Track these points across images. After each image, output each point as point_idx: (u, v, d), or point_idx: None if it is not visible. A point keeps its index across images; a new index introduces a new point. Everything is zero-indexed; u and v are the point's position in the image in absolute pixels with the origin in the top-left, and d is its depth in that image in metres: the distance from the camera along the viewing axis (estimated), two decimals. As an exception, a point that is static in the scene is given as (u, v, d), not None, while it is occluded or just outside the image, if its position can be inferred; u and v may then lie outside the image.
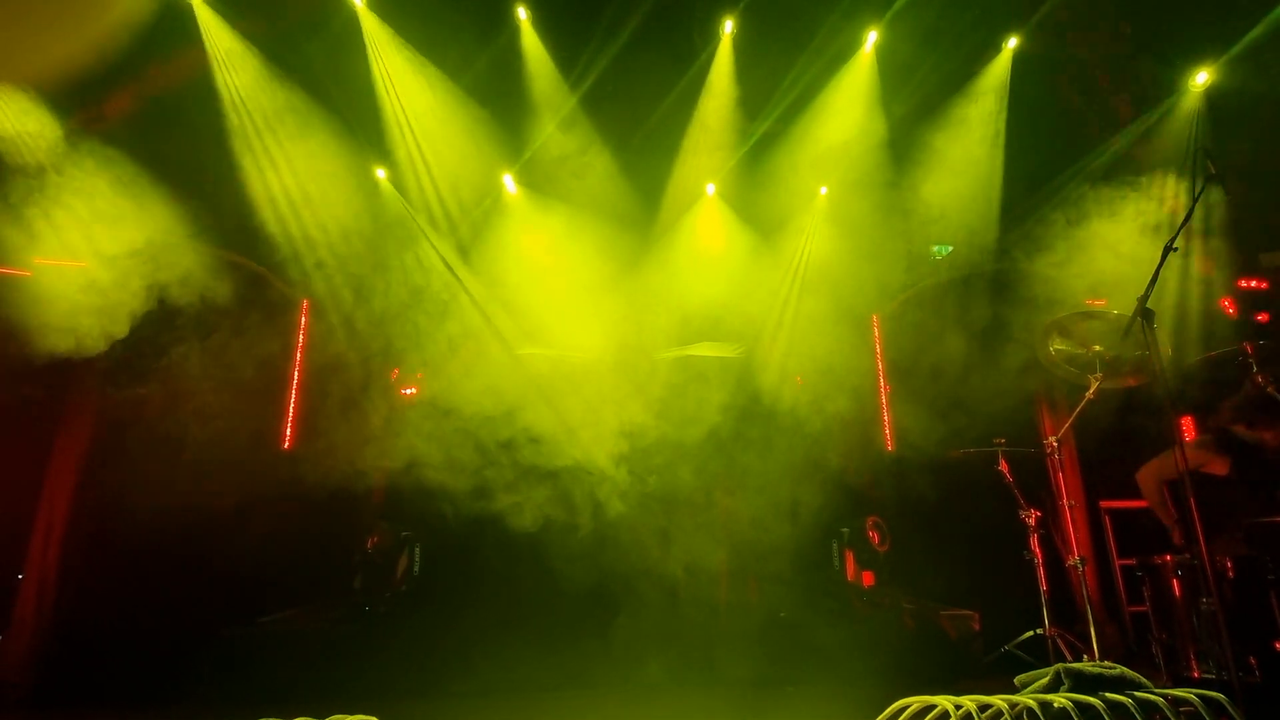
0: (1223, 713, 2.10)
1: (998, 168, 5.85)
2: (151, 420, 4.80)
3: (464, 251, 6.03)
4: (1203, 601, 3.09)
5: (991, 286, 5.85)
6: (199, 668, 3.94)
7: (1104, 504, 5.07)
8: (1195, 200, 3.02)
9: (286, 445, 5.46)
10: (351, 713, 2.48)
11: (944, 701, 2.08)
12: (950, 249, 6.26)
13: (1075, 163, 5.71)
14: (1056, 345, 3.80)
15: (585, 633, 4.21)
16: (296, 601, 4.62)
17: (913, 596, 4.81)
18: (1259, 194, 4.47)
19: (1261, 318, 5.00)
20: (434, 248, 5.96)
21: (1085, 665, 2.26)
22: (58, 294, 4.46)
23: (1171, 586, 3.30)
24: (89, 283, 4.55)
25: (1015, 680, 2.53)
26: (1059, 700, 2.01)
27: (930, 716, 2.12)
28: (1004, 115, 5.74)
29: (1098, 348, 3.65)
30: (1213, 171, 2.99)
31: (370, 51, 5.37)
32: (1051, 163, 5.81)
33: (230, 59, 5.05)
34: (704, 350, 5.66)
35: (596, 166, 5.97)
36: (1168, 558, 3.35)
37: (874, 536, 5.08)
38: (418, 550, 4.83)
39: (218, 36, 4.99)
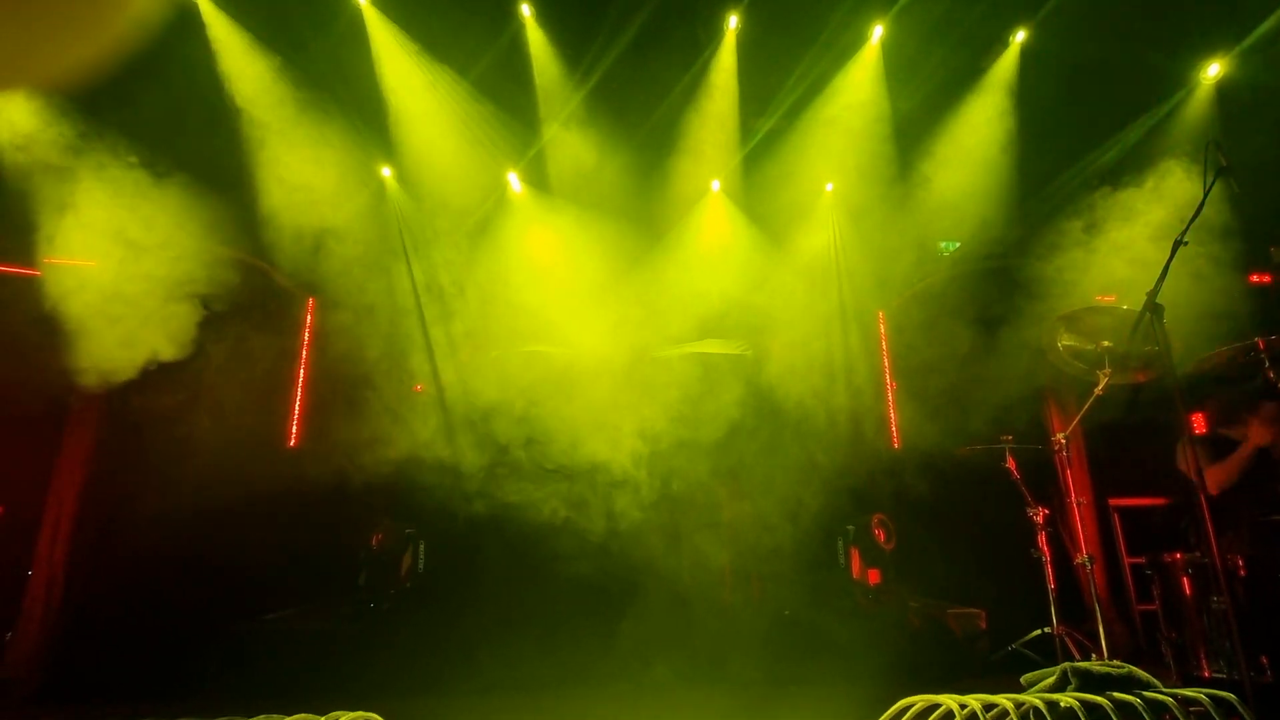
0: (1234, 713, 2.07)
1: (1005, 163, 5.80)
2: (158, 418, 4.82)
3: (469, 249, 6.04)
4: (1213, 600, 3.06)
5: (999, 282, 5.80)
6: (206, 664, 3.96)
7: (1113, 501, 5.03)
8: (1206, 194, 2.97)
9: (292, 443, 5.48)
10: (355, 709, 2.48)
11: (949, 700, 2.06)
12: (957, 245, 6.22)
13: (1084, 157, 5.65)
14: (1065, 341, 3.76)
15: (589, 630, 4.20)
16: (302, 598, 4.63)
17: (919, 595, 4.78)
18: (1270, 188, 4.41)
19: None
20: (439, 245, 5.97)
21: (1093, 664, 2.24)
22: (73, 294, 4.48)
23: (1182, 585, 3.27)
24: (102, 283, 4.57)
25: (1021, 679, 2.51)
26: (1066, 700, 1.98)
27: (935, 716, 2.10)
28: (1012, 110, 5.68)
29: (1107, 343, 3.61)
30: (1223, 164, 2.95)
31: (374, 49, 5.37)
32: (1060, 158, 5.76)
33: (235, 57, 5.06)
34: (710, 347, 5.64)
35: (601, 163, 5.96)
36: (1178, 556, 3.31)
37: (880, 534, 5.05)
38: (422, 547, 4.84)
39: (222, 34, 5.00)
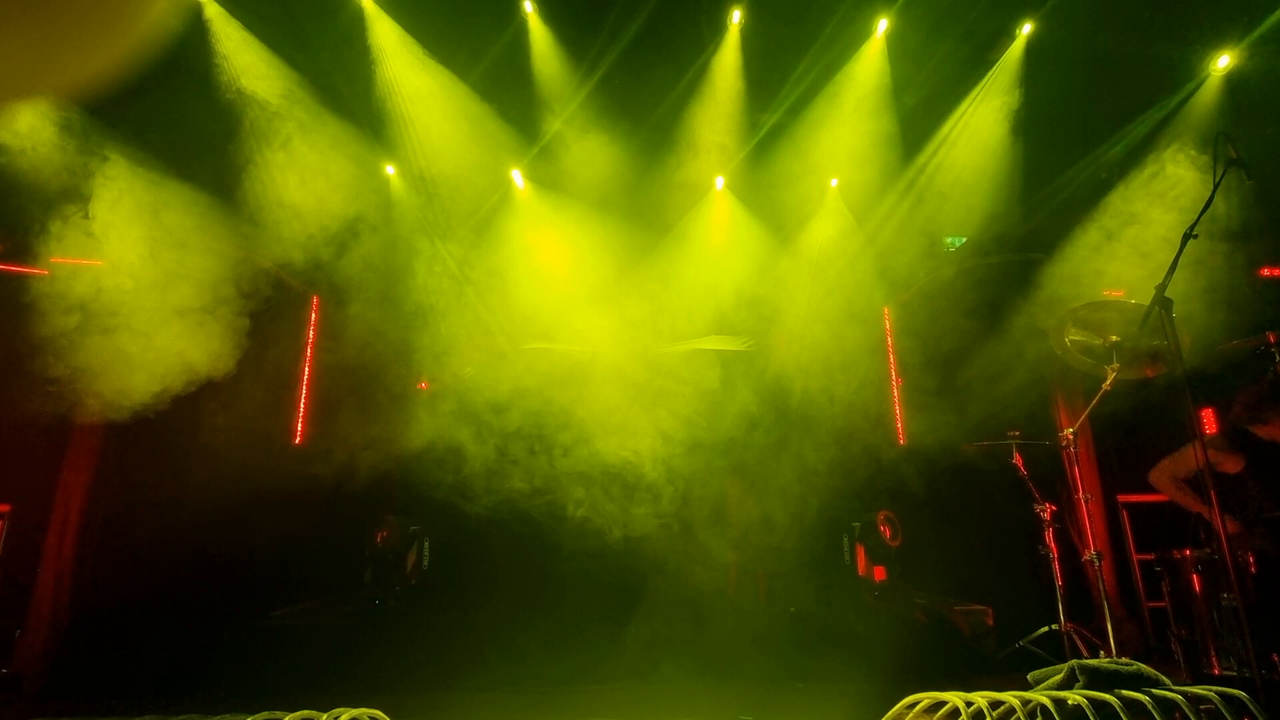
0: (1244, 711, 2.04)
1: (1012, 157, 5.75)
2: (165, 416, 4.83)
3: (472, 246, 6.04)
4: (1224, 597, 3.02)
5: (1005, 277, 5.76)
6: (212, 661, 3.97)
7: (1121, 498, 4.99)
8: (1216, 186, 2.94)
9: (297, 441, 5.50)
10: (362, 705, 2.48)
11: (954, 698, 2.04)
12: (963, 240, 6.18)
13: (1092, 151, 5.59)
14: (1073, 336, 3.72)
15: (595, 627, 4.20)
16: (307, 596, 4.64)
17: (925, 591, 4.76)
18: (1281, 180, 4.36)
19: None
20: (443, 242, 5.97)
21: (1101, 662, 2.21)
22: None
23: (1191, 582, 3.23)
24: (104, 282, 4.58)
25: (1029, 677, 2.49)
26: (1073, 697, 1.96)
27: (941, 713, 2.08)
28: (1018, 103, 5.63)
29: (1115, 338, 3.58)
30: (1234, 156, 2.91)
31: (376, 46, 5.36)
32: (1067, 151, 5.70)
33: (237, 55, 5.07)
34: (713, 343, 5.62)
35: (605, 160, 5.94)
36: (1188, 552, 3.28)
37: (886, 531, 5.03)
38: (427, 545, 4.85)
39: (225, 33, 5.00)
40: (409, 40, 5.41)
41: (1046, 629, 4.07)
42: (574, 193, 5.97)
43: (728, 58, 5.72)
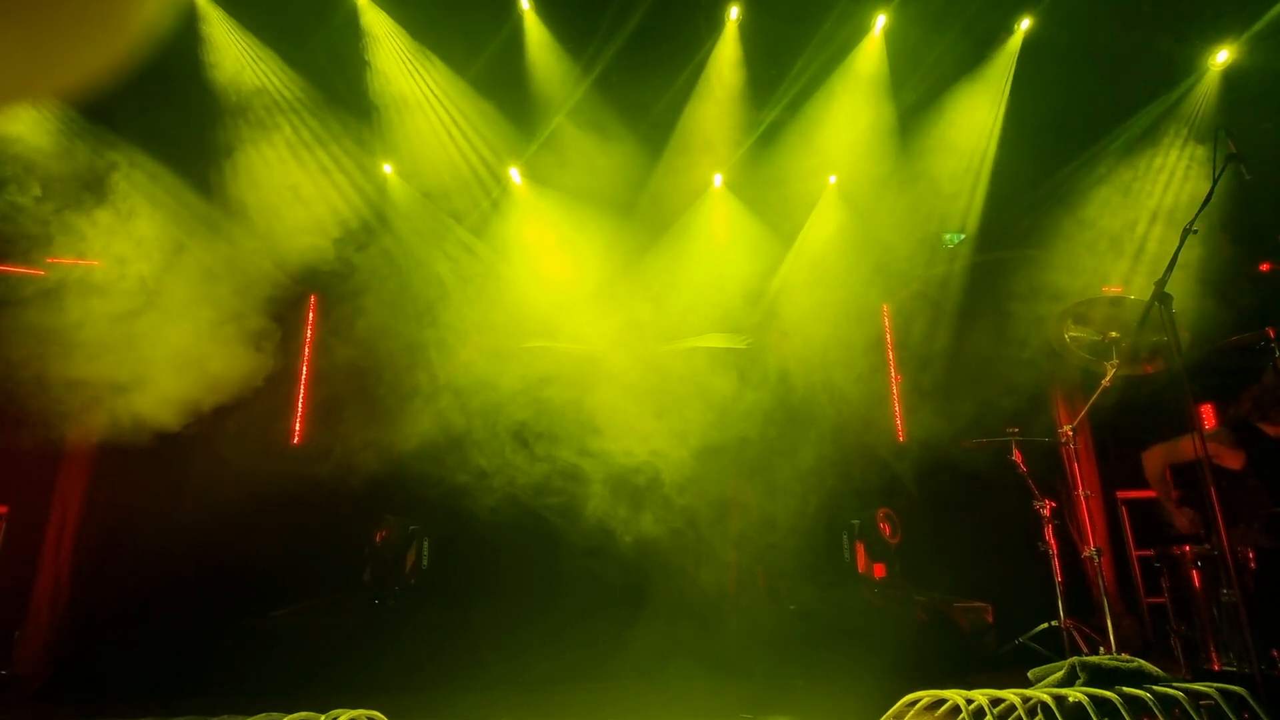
0: (1244, 707, 2.04)
1: (1010, 153, 5.74)
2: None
3: (470, 244, 6.02)
4: (1223, 593, 3.02)
5: (1004, 274, 5.75)
6: (211, 661, 3.97)
7: (1120, 494, 4.99)
8: (1215, 181, 2.93)
9: (295, 440, 5.49)
10: (361, 705, 2.47)
11: (955, 695, 2.03)
12: (962, 236, 6.17)
13: (1090, 146, 5.58)
14: (1072, 332, 3.72)
15: (595, 626, 4.20)
16: (306, 595, 4.63)
17: (925, 589, 4.76)
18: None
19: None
20: (441, 241, 5.96)
21: (1102, 658, 2.21)
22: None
23: (1191, 578, 3.23)
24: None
25: (1029, 674, 2.48)
26: (1074, 695, 1.96)
27: (942, 711, 2.07)
28: (1017, 99, 5.62)
29: (1114, 334, 3.57)
30: (1233, 151, 2.90)
31: (372, 43, 5.35)
32: (1066, 147, 5.69)
33: (231, 52, 5.05)
34: (712, 341, 5.61)
35: (603, 157, 5.92)
36: (1187, 549, 3.27)
37: (885, 528, 5.02)
38: (426, 544, 4.84)
39: (219, 30, 4.99)
40: (406, 37, 5.39)
41: (1046, 625, 4.06)
42: (572, 190, 5.95)
43: (726, 54, 5.70)
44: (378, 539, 4.79)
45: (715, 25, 5.61)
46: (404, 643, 4.07)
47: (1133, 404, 4.40)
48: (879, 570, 4.97)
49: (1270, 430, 3.47)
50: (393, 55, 5.42)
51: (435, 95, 5.62)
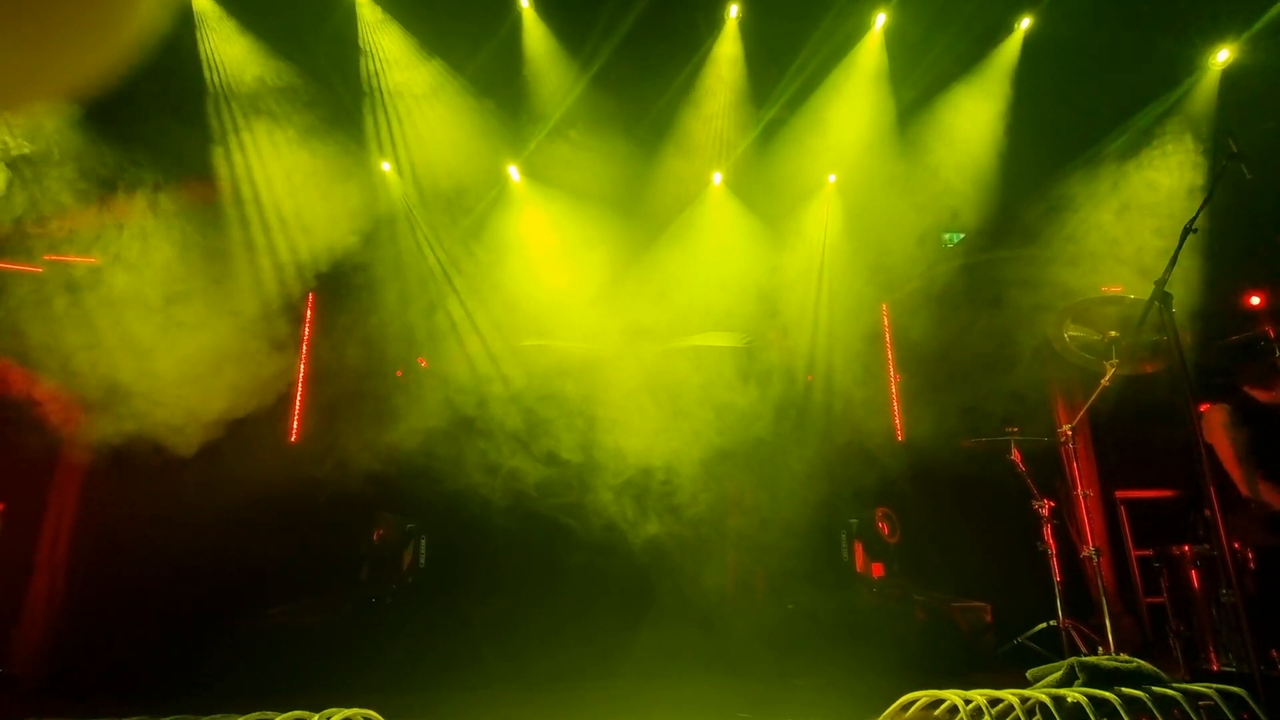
0: (1243, 708, 2.03)
1: (1010, 152, 5.73)
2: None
3: (469, 242, 6.01)
4: (1223, 593, 3.01)
5: (1004, 273, 5.74)
6: (208, 658, 3.96)
7: (1119, 494, 4.98)
8: (1216, 181, 2.92)
9: (293, 438, 5.47)
10: (358, 704, 2.46)
11: (953, 696, 2.02)
12: (961, 236, 6.16)
13: (1091, 146, 5.57)
14: (1071, 332, 3.71)
15: (592, 625, 4.19)
16: (303, 593, 4.62)
17: (923, 588, 4.75)
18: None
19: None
20: (440, 238, 5.95)
21: (1101, 659, 2.20)
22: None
23: (1190, 577, 3.22)
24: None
25: (1028, 674, 2.47)
26: (1073, 695, 1.95)
27: (939, 711, 2.06)
28: (1017, 98, 5.61)
29: (1113, 333, 3.56)
30: (1234, 151, 2.90)
31: (371, 41, 5.34)
32: (1066, 146, 5.68)
33: (228, 50, 5.03)
34: (711, 340, 5.60)
35: (602, 155, 5.91)
36: (1186, 548, 3.26)
37: (884, 528, 5.02)
38: (423, 543, 4.82)
39: (217, 27, 4.97)
40: (404, 33, 5.38)
41: (1045, 625, 4.06)
42: (571, 188, 5.94)
43: (725, 52, 5.69)
44: (375, 537, 4.77)
45: (715, 23, 5.60)
46: (401, 641, 4.07)
47: (1133, 404, 4.39)
48: (877, 570, 4.96)
49: (1262, 397, 3.45)
50: (391, 52, 5.40)
51: (434, 92, 5.60)
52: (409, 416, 5.19)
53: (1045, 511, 3.94)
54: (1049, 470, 4.73)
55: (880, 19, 5.37)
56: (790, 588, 4.71)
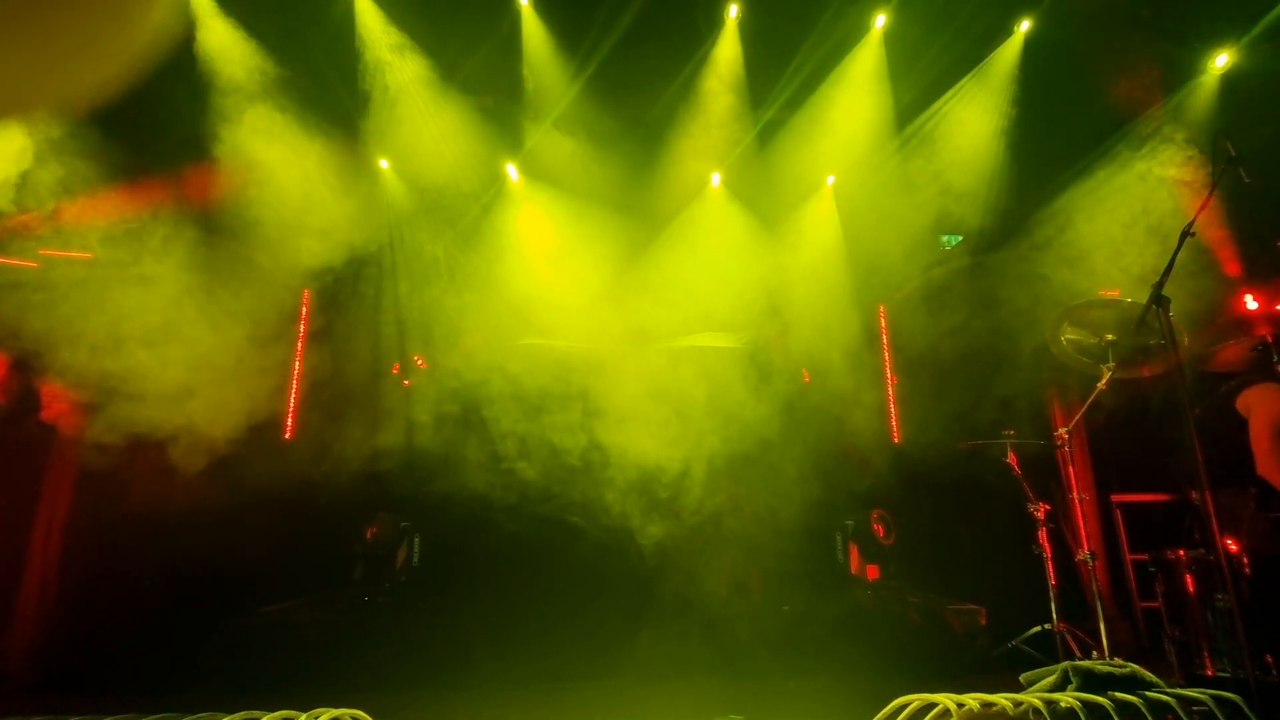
0: (1238, 714, 2.02)
1: (1009, 154, 5.73)
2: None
3: (467, 240, 5.99)
4: (1218, 597, 3.01)
5: (1001, 275, 5.74)
6: (200, 657, 3.94)
7: (1115, 498, 4.97)
8: (1214, 184, 2.91)
9: (288, 435, 5.45)
10: (351, 703, 2.45)
11: (946, 699, 2.01)
12: (959, 238, 6.15)
13: (1088, 149, 5.57)
14: (1069, 335, 3.70)
15: (586, 624, 4.17)
16: (296, 592, 4.60)
17: (918, 590, 4.74)
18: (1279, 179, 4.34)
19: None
20: (437, 236, 5.93)
21: (1094, 663, 2.19)
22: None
23: (1185, 582, 3.22)
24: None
25: (1021, 678, 2.46)
26: (1066, 699, 1.94)
27: (932, 714, 2.05)
28: (1016, 101, 5.61)
29: (1110, 336, 3.55)
30: (1233, 154, 2.89)
31: (368, 37, 5.32)
32: (1064, 149, 5.68)
33: (226, 48, 5.01)
34: (708, 340, 5.59)
35: (600, 155, 5.90)
36: (1181, 553, 3.26)
37: (879, 529, 5.01)
38: (417, 541, 4.80)
39: (212, 25, 4.95)
40: (402, 31, 5.36)
41: (1039, 629, 4.05)
42: (570, 187, 5.93)
43: (725, 53, 5.68)
44: (369, 535, 4.76)
45: (715, 23, 5.59)
46: (394, 640, 4.05)
47: (1130, 407, 4.39)
48: (872, 571, 4.95)
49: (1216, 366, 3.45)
50: (389, 49, 5.39)
51: (432, 90, 5.59)
52: (404, 414, 5.17)
53: (1041, 515, 3.93)
54: (1045, 473, 4.72)
55: (880, 20, 5.36)
56: (785, 589, 4.70)
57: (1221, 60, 5.07)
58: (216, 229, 5.12)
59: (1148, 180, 5.16)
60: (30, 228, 4.46)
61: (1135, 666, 2.23)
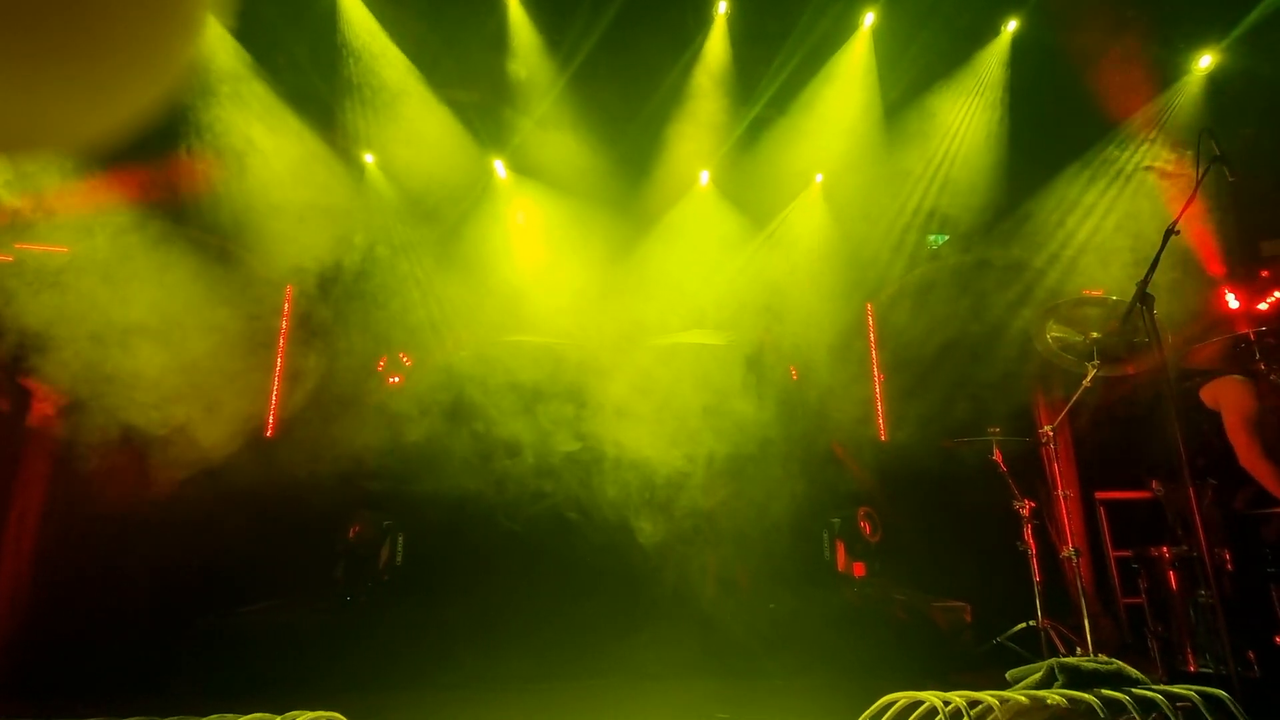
0: (1224, 710, 2.03)
1: (995, 154, 5.76)
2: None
3: (453, 237, 5.94)
4: (1200, 594, 3.03)
5: (987, 274, 5.78)
6: (177, 658, 3.86)
7: (1099, 495, 5.00)
8: (1198, 183, 2.93)
9: (269, 433, 5.37)
10: (331, 704, 2.40)
11: (932, 697, 2.00)
12: (946, 237, 6.18)
13: (1076, 147, 5.61)
14: (1054, 333, 3.71)
15: (570, 624, 4.13)
16: (277, 591, 4.53)
17: (904, 587, 4.75)
18: (1261, 180, 4.39)
19: (1265, 306, 4.89)
20: (423, 232, 5.87)
21: (1081, 660, 2.19)
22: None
23: (1168, 579, 3.24)
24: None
25: (1007, 675, 2.46)
26: (1052, 697, 1.93)
27: (918, 712, 2.04)
28: (1003, 101, 5.64)
29: (1095, 334, 3.57)
30: (1217, 153, 2.90)
31: (354, 32, 5.25)
32: (1049, 149, 5.72)
33: (205, 37, 4.91)
34: (696, 338, 5.57)
35: (588, 151, 5.86)
36: (1165, 550, 3.28)
37: (866, 527, 5.01)
38: (400, 540, 4.74)
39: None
40: (388, 24, 5.30)
41: (1024, 625, 4.06)
42: (557, 184, 5.89)
43: (714, 49, 5.66)
44: (351, 534, 4.69)
45: (704, 20, 5.56)
46: (376, 640, 3.99)
47: (1114, 404, 4.42)
48: (859, 569, 4.95)
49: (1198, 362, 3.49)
50: (374, 44, 5.32)
51: (418, 86, 5.53)
52: (388, 412, 5.11)
53: (1026, 512, 3.94)
54: (1030, 471, 4.74)
55: (869, 18, 5.36)
56: (772, 587, 4.69)
57: (1205, 62, 5.12)
58: (197, 223, 5.04)
59: (1133, 179, 5.21)
60: (2, 221, 4.36)
61: (1120, 663, 2.23)
